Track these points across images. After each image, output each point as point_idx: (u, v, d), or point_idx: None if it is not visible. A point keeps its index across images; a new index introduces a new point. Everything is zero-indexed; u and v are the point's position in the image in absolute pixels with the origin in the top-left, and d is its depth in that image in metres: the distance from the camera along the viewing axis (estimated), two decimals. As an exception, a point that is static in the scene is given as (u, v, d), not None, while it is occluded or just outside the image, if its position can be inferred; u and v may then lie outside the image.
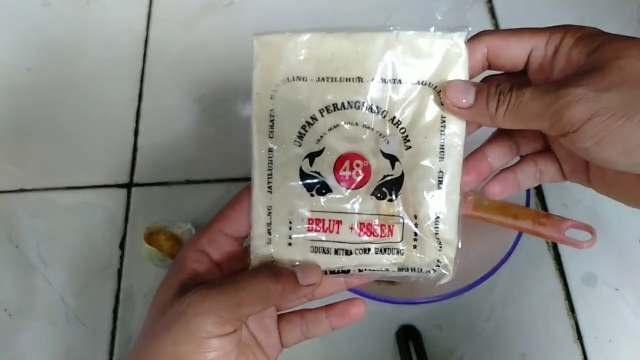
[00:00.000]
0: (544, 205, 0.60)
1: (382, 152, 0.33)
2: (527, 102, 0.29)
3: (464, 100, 0.31)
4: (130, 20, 0.74)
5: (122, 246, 0.60)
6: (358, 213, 0.33)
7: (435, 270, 0.33)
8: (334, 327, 0.37)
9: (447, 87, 0.31)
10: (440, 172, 0.32)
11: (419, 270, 0.33)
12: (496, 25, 0.71)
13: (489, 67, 0.33)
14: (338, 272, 0.34)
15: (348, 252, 0.33)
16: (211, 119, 0.67)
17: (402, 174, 0.33)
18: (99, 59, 0.72)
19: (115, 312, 0.57)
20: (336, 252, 0.33)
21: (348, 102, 0.32)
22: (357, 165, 0.33)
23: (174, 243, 0.58)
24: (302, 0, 0.74)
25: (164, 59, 0.71)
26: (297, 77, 0.32)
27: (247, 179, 0.34)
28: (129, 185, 0.64)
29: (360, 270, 0.34)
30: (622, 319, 0.54)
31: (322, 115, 0.32)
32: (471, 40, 0.32)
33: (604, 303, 0.55)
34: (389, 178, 0.33)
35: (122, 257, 0.60)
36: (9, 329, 0.57)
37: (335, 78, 0.32)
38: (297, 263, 0.33)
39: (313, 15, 0.72)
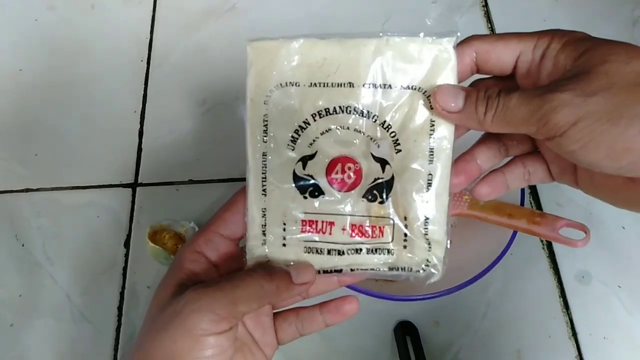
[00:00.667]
0: (538, 205, 0.60)
1: (373, 155, 0.33)
2: (514, 107, 0.29)
3: (453, 105, 0.31)
4: (135, 24, 0.74)
5: (126, 245, 0.61)
6: (350, 215, 0.34)
7: (424, 270, 0.34)
8: (328, 324, 0.38)
9: (437, 92, 0.31)
10: (430, 174, 0.33)
11: (409, 269, 0.34)
12: (492, 29, 0.71)
13: (478, 71, 0.33)
14: (331, 271, 0.34)
15: (340, 252, 0.34)
16: (213, 121, 0.67)
17: (393, 177, 0.33)
18: (104, 61, 0.72)
19: (120, 309, 0.58)
20: (329, 252, 0.34)
21: (340, 107, 0.32)
22: (349, 168, 0.33)
23: (178, 241, 0.58)
24: (302, 5, 0.74)
25: (167, 62, 0.71)
26: (290, 82, 0.32)
27: (248, 179, 0.34)
28: (133, 185, 0.64)
29: (352, 270, 0.34)
30: (616, 316, 0.54)
31: (315, 120, 0.33)
32: (460, 44, 0.32)
33: (598, 300, 0.55)
34: (379, 181, 0.33)
35: (126, 256, 0.60)
36: (16, 326, 0.57)
37: (327, 83, 0.32)
38: (292, 263, 0.34)
39: (313, 19, 0.72)
